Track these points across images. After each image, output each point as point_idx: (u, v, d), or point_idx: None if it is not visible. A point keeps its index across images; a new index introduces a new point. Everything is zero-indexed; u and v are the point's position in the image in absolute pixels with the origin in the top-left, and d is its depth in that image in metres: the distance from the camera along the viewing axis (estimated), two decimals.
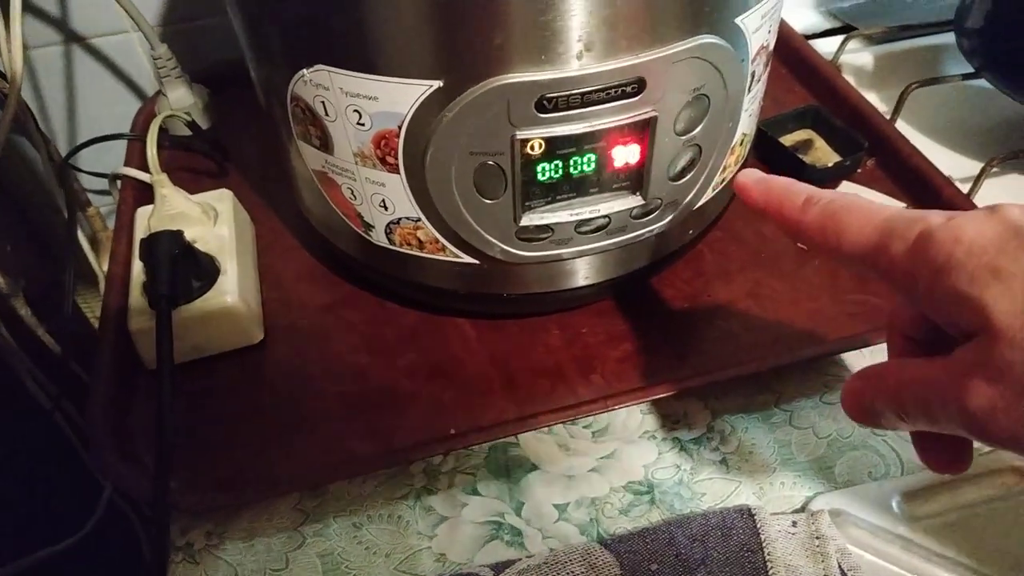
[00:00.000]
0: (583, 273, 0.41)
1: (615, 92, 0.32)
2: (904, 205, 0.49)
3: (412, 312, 0.45)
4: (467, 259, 0.39)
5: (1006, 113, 0.61)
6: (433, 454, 0.40)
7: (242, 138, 0.57)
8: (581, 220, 0.37)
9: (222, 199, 0.47)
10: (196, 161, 0.56)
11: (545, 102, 0.32)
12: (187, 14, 0.61)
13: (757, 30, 0.36)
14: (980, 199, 0.50)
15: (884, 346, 0.43)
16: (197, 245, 0.43)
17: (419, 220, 0.37)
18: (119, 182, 0.53)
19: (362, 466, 0.39)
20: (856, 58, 0.68)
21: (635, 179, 0.36)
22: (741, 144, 0.41)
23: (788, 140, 0.54)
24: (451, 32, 0.30)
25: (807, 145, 0.54)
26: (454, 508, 0.38)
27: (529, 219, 0.36)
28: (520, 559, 0.35)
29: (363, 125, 0.34)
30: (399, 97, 0.32)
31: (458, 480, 0.40)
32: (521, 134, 0.33)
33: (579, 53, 0.31)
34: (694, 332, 0.43)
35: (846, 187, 0.50)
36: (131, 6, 0.53)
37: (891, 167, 0.52)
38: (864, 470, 0.39)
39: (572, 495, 0.39)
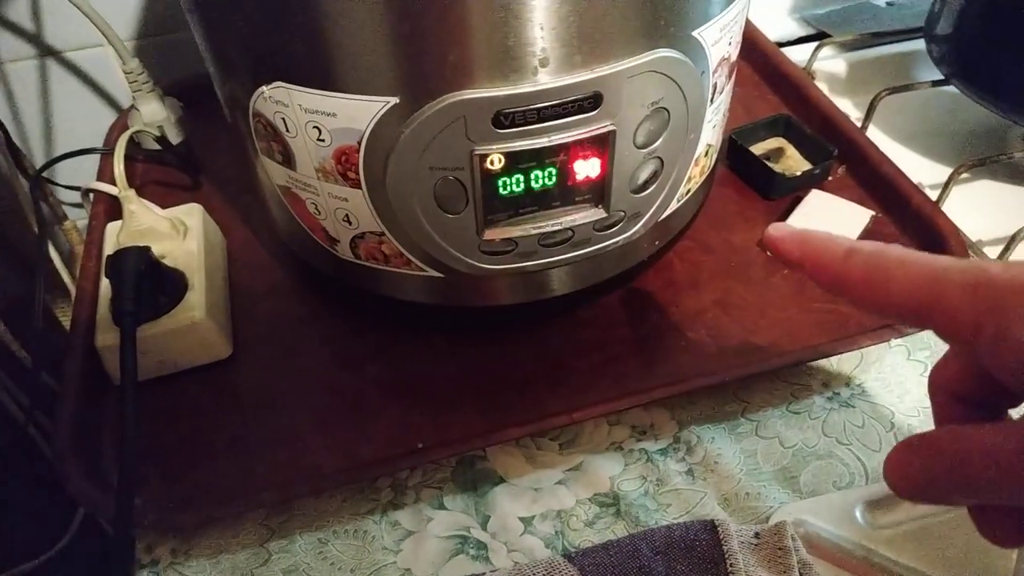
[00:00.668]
0: (550, 285, 0.41)
1: (572, 107, 0.32)
2: (873, 213, 0.49)
3: (381, 325, 0.45)
4: (432, 272, 0.39)
5: (975, 119, 0.61)
6: (400, 469, 0.40)
7: (215, 151, 0.57)
8: (544, 233, 0.37)
9: (192, 213, 0.47)
10: (170, 175, 0.56)
11: (502, 118, 0.32)
12: (161, 27, 0.62)
13: (717, 43, 0.36)
14: (948, 205, 0.50)
15: (849, 355, 0.44)
16: (166, 260, 0.43)
17: (383, 234, 0.37)
18: (91, 196, 0.53)
19: (328, 482, 0.39)
20: (829, 65, 0.68)
21: (597, 192, 0.36)
22: (706, 155, 0.41)
23: (759, 148, 0.54)
24: (405, 50, 0.30)
25: (778, 153, 0.55)
26: (420, 523, 0.38)
27: (492, 233, 0.36)
28: (484, 573, 0.35)
29: (323, 141, 0.34)
30: (357, 114, 0.32)
31: (424, 494, 0.40)
32: (479, 149, 0.33)
33: (534, 69, 0.31)
34: (662, 342, 0.43)
35: (816, 195, 0.51)
36: (101, 20, 0.53)
37: (860, 174, 0.52)
38: (829, 480, 0.39)
39: (538, 508, 0.39)
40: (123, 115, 0.59)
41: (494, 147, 0.33)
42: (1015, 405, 0.23)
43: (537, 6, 0.29)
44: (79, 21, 0.54)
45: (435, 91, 0.31)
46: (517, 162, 0.34)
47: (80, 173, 0.59)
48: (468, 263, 0.37)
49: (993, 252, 0.50)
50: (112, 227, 0.47)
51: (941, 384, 0.26)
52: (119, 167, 0.43)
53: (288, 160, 0.37)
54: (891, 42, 0.69)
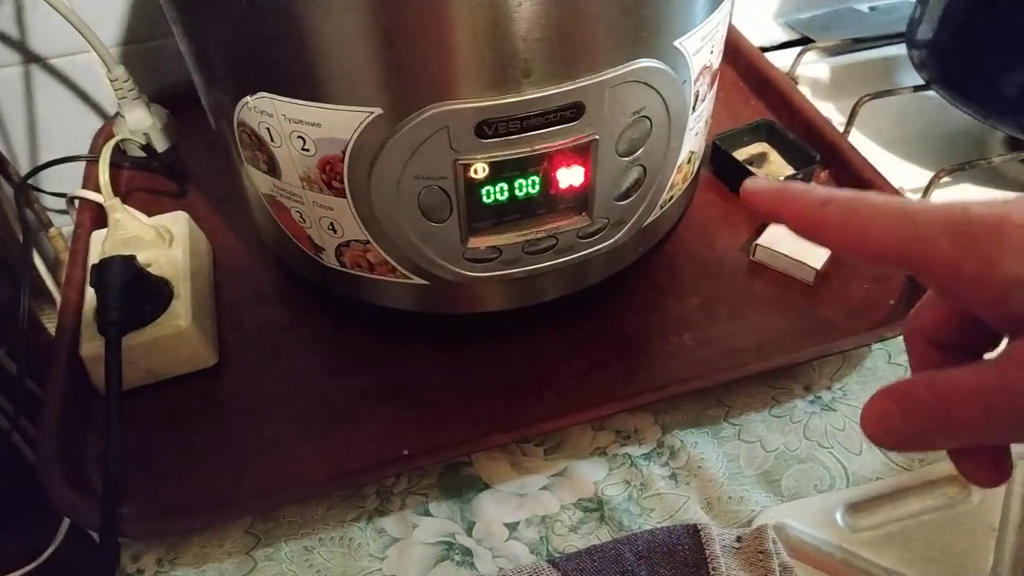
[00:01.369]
0: (534, 292, 0.41)
1: (554, 117, 0.32)
2: None
3: (366, 332, 0.45)
4: (417, 280, 0.39)
5: (955, 124, 0.62)
6: (385, 476, 0.40)
7: (201, 158, 0.57)
8: (528, 241, 0.37)
9: (177, 221, 0.47)
10: (157, 182, 0.56)
11: (485, 127, 0.32)
12: (147, 33, 0.61)
13: (698, 52, 0.36)
14: None
15: (830, 359, 0.44)
16: (151, 269, 0.43)
17: (368, 243, 0.37)
18: (76, 203, 0.53)
19: (314, 489, 0.39)
20: (812, 70, 0.69)
21: (580, 200, 0.37)
22: (689, 162, 0.42)
23: (743, 154, 0.55)
24: (388, 61, 0.30)
25: (762, 158, 0.55)
26: (405, 529, 0.39)
27: (476, 241, 0.37)
28: None
29: (308, 151, 0.34)
30: (341, 124, 0.32)
31: (410, 501, 0.40)
32: (463, 159, 0.33)
33: (517, 79, 0.31)
34: (646, 347, 0.44)
35: None
36: (85, 26, 0.52)
37: (843, 179, 0.53)
38: (810, 483, 0.39)
39: (523, 513, 0.39)
40: (109, 122, 0.59)
41: (477, 156, 0.33)
42: (992, 348, 0.23)
43: (519, 18, 0.29)
44: (64, 27, 0.54)
45: (419, 101, 0.31)
46: (500, 171, 0.34)
47: (66, 180, 0.58)
48: (453, 271, 0.38)
49: None
50: (97, 235, 0.47)
51: (918, 328, 0.26)
52: (104, 176, 0.43)
53: (273, 169, 0.37)
54: (873, 47, 0.70)
